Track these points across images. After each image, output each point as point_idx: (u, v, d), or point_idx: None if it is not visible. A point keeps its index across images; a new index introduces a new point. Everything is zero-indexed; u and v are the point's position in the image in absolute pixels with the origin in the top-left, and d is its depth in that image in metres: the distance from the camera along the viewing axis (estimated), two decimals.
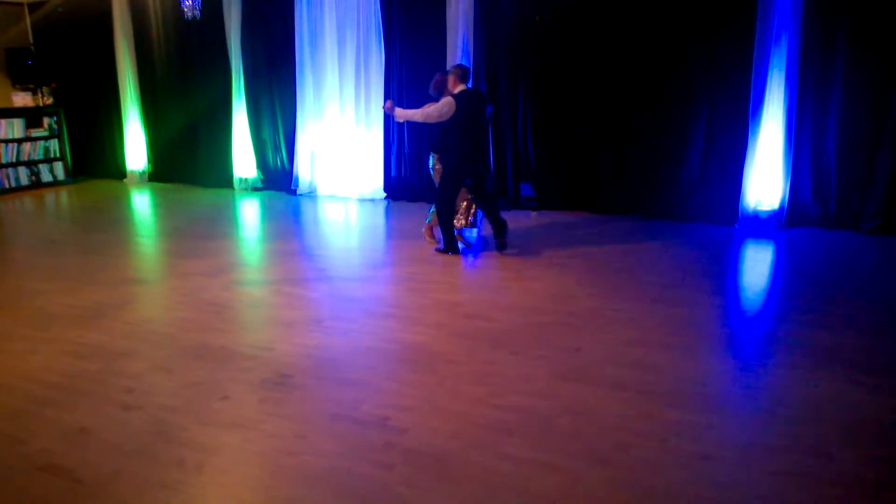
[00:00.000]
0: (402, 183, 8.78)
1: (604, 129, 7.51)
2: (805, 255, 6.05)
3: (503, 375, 3.63)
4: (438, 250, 6.22)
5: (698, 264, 5.74)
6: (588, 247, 6.32)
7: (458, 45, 7.89)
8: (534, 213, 7.82)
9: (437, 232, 6.42)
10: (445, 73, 6.13)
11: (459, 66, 5.96)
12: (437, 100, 5.97)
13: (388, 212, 8.28)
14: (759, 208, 6.82)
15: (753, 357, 3.89)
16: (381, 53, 8.51)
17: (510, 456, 2.85)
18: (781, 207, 6.79)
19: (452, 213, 6.13)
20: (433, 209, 6.27)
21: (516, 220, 7.49)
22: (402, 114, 6.00)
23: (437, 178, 6.19)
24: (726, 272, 5.78)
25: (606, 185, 7.67)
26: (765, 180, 6.78)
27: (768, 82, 6.57)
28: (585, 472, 2.74)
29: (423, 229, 6.60)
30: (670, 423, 3.10)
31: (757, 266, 6.00)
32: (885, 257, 5.96)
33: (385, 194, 8.89)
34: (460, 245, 6.28)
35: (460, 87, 5.85)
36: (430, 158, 6.26)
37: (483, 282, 5.46)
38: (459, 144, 5.86)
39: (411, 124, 8.34)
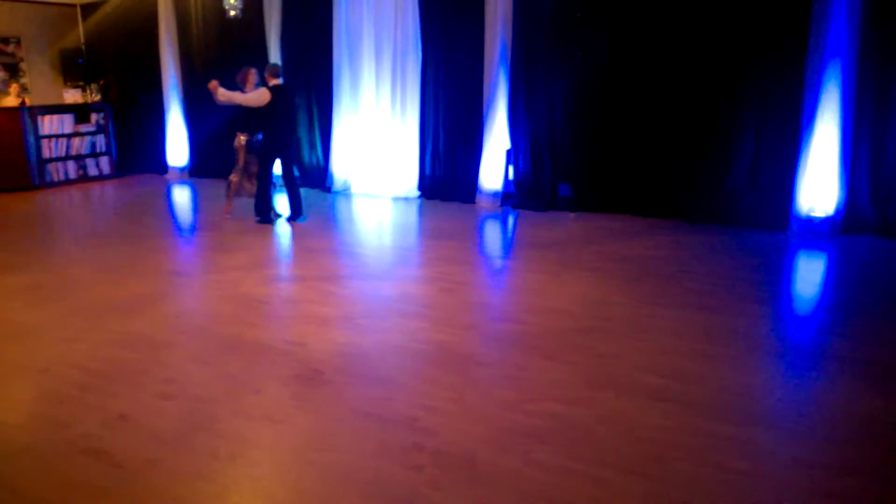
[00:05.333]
0: (436, 182, 8.80)
1: (647, 129, 7.35)
2: (861, 265, 5.82)
3: (535, 380, 3.60)
4: (258, 222, 7.37)
5: (745, 272, 5.58)
6: (628, 251, 6.20)
7: (497, 41, 7.87)
8: (572, 215, 7.75)
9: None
10: (250, 67, 7.37)
11: (274, 65, 7.27)
12: (241, 90, 7.21)
13: (422, 211, 8.30)
14: (812, 214, 6.55)
15: (800, 371, 3.78)
16: (417, 52, 8.55)
17: (541, 463, 2.83)
18: (837, 213, 6.50)
19: (269, 185, 7.37)
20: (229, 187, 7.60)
21: (555, 222, 7.46)
22: (224, 94, 6.97)
23: (238, 153, 7.39)
24: (775, 280, 5.58)
25: (649, 188, 7.50)
26: (819, 184, 6.49)
27: (824, 80, 6.29)
28: (618, 483, 2.69)
29: (225, 207, 7.72)
30: (709, 435, 3.03)
31: (809, 275, 5.82)
32: None
33: (419, 193, 8.92)
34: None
35: (274, 82, 7.09)
36: (236, 137, 7.40)
37: (517, 284, 5.43)
38: (271, 127, 7.13)
39: (446, 124, 8.50)
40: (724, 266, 5.75)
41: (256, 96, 6.99)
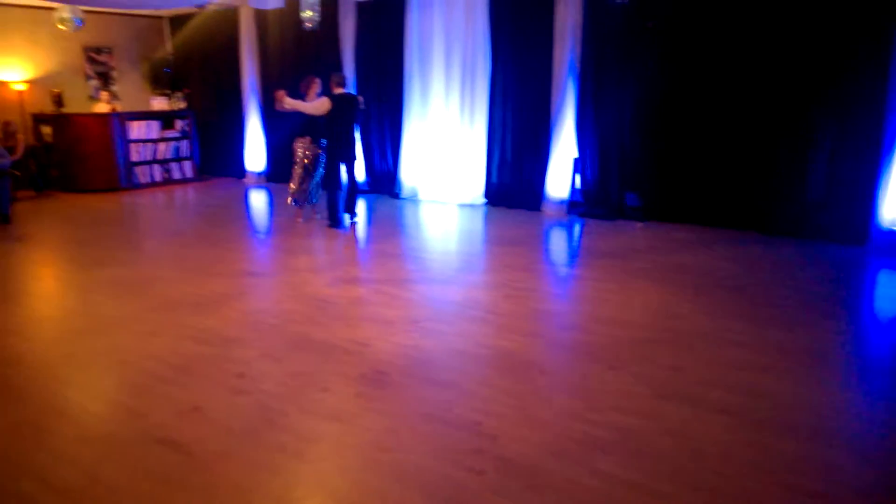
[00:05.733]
0: (502, 189, 8.81)
1: (719, 138, 7.15)
2: None
3: (600, 390, 3.55)
4: (329, 226, 7.59)
5: (820, 286, 5.35)
6: (697, 262, 6.05)
7: (566, 50, 7.82)
8: (639, 225, 7.59)
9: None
10: (314, 77, 7.76)
11: (339, 75, 7.59)
12: (304, 98, 7.57)
13: (488, 217, 8.32)
14: (894, 228, 6.21)
15: (877, 389, 3.59)
16: (487, 60, 8.58)
17: (603, 474, 2.78)
18: None
19: (338, 191, 7.59)
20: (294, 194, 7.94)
21: (622, 231, 7.34)
22: (290, 103, 7.33)
23: (297, 160, 7.76)
24: (852, 296, 5.34)
25: (721, 198, 7.29)
26: None
27: None
28: (682, 498, 2.62)
29: (296, 212, 8.07)
30: (779, 454, 2.91)
31: (888, 290, 5.52)
32: None
33: (485, 200, 8.94)
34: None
35: (338, 91, 7.40)
36: (295, 142, 7.81)
37: (582, 293, 5.37)
38: (332, 134, 7.44)
39: (514, 132, 8.54)
40: (799, 280, 5.54)
41: (318, 105, 7.32)
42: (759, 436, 3.06)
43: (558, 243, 7.28)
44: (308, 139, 7.71)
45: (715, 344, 4.17)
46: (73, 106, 10.89)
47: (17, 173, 9.46)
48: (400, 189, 9.64)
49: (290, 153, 7.95)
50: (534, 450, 2.96)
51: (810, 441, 3.02)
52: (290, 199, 7.98)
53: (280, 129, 10.89)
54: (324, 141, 7.67)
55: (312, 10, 7.51)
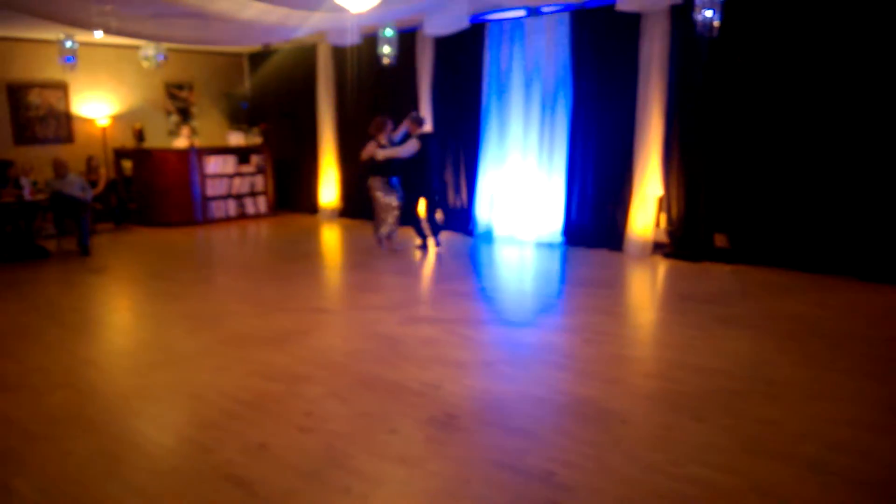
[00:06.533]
0: (582, 228, 8.55)
1: (814, 176, 6.73)
2: None
3: (684, 443, 3.31)
4: (419, 248, 8.38)
5: None
6: (792, 308, 5.68)
7: (651, 85, 7.59)
8: (729, 267, 7.22)
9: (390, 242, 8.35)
10: (386, 119, 8.04)
11: (418, 115, 8.15)
12: (374, 139, 7.89)
13: (566, 257, 8.10)
14: None
15: None
16: (567, 95, 8.45)
17: None
18: None
19: (417, 217, 8.31)
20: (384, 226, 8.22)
21: (709, 274, 7.01)
22: (382, 154, 7.75)
23: (376, 198, 8.06)
24: None
25: (816, 240, 6.81)
26: None
27: None
28: None
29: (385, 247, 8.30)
30: None
31: None
32: None
33: (563, 239, 8.73)
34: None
35: (418, 131, 7.83)
36: (370, 180, 8.08)
37: (667, 338, 5.10)
38: (415, 171, 8.04)
39: (595, 169, 8.34)
40: None
41: (410, 147, 7.81)
42: (857, 498, 2.82)
43: (641, 285, 7.01)
44: (385, 178, 8.00)
45: (810, 396, 3.87)
46: (154, 141, 11.36)
47: (99, 206, 9.93)
48: (475, 226, 9.55)
49: (366, 191, 8.15)
50: None
51: None
52: (384, 235, 8.23)
53: (355, 166, 11.07)
54: (395, 178, 7.99)
55: (390, 45, 7.64)
